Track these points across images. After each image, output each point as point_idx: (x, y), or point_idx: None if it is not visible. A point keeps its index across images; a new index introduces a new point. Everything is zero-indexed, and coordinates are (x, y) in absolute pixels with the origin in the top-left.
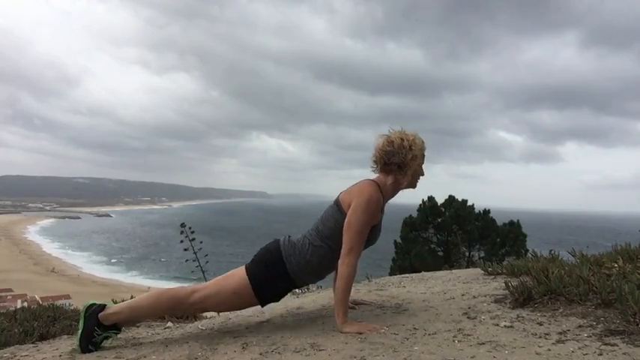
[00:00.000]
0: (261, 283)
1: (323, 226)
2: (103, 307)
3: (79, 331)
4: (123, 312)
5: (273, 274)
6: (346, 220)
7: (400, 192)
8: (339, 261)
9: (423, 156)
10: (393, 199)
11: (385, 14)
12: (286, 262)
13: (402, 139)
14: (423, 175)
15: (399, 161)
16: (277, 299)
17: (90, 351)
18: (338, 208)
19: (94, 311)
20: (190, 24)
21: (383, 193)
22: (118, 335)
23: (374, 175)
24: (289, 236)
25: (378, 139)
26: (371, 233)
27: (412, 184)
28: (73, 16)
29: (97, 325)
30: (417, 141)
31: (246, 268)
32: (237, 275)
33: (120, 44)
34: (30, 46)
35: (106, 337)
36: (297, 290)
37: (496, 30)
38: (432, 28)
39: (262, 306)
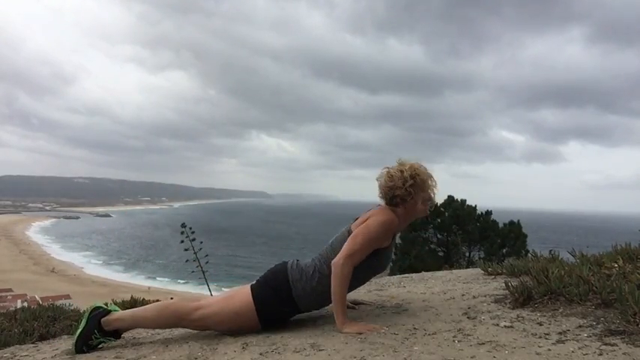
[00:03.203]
0: (265, 306)
1: (332, 253)
2: (107, 312)
3: (79, 330)
4: (125, 320)
5: (277, 297)
6: (357, 229)
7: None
8: (333, 261)
9: (428, 182)
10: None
11: (386, 8)
12: (292, 287)
13: (402, 172)
14: (430, 200)
15: (402, 194)
16: (279, 323)
17: (83, 352)
18: (344, 229)
19: (97, 314)
20: (185, 19)
21: (396, 223)
22: (116, 341)
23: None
24: (297, 260)
25: (379, 175)
26: (380, 258)
27: (422, 212)
28: (64, 12)
29: (97, 329)
30: (418, 170)
31: (252, 289)
32: (241, 295)
33: (113, 41)
34: (23, 43)
35: (103, 342)
36: None
37: (499, 25)
38: (433, 22)
39: (262, 328)
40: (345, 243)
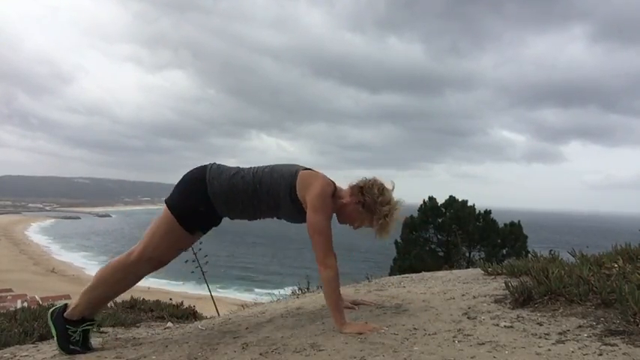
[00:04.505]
0: (182, 208)
1: (266, 175)
2: (64, 306)
3: (55, 337)
4: (81, 303)
5: (193, 196)
6: (308, 221)
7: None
8: (319, 267)
9: (381, 219)
10: None
11: (387, 6)
12: (208, 184)
13: (386, 201)
14: (358, 226)
15: (369, 200)
16: (203, 225)
17: (75, 351)
18: (290, 176)
19: (58, 313)
20: (182, 18)
21: (334, 197)
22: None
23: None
24: (219, 163)
25: (376, 179)
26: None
27: (352, 222)
28: (61, 11)
29: (67, 324)
30: (394, 211)
31: (166, 201)
32: (161, 215)
33: (110, 40)
34: (21, 42)
35: (85, 331)
36: (297, 290)
37: (500, 23)
38: (434, 20)
39: (191, 234)
40: (313, 246)
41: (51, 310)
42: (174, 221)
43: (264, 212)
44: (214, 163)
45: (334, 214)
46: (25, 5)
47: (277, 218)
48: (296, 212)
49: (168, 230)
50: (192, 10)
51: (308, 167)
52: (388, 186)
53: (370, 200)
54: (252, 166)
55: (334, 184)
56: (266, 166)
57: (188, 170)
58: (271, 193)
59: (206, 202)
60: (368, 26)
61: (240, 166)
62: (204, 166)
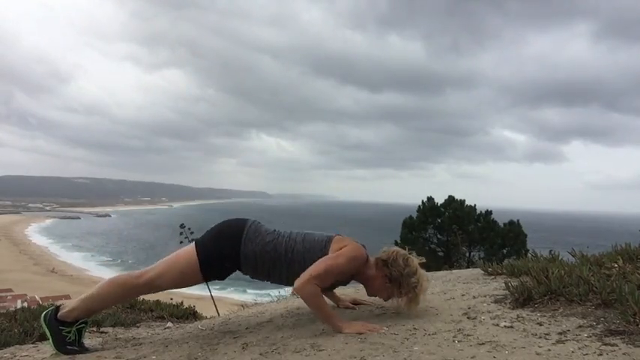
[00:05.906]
0: (209, 258)
1: (301, 245)
2: (57, 308)
3: (50, 341)
4: (78, 307)
5: (224, 251)
6: (331, 254)
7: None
8: (297, 282)
9: (410, 292)
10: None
11: (388, 3)
12: (243, 244)
13: (412, 272)
14: (388, 298)
15: (395, 274)
16: (221, 278)
17: (72, 351)
18: (326, 241)
19: (51, 316)
20: (179, 15)
21: (362, 267)
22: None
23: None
24: (259, 222)
25: (398, 250)
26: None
27: (381, 294)
28: (57, 10)
29: (60, 326)
30: (423, 282)
31: (196, 243)
32: (185, 253)
33: (107, 39)
34: (18, 41)
35: (80, 330)
36: None
37: (501, 20)
38: (435, 18)
39: (206, 282)
40: (314, 264)
41: (43, 313)
42: (196, 264)
43: (288, 279)
44: (255, 222)
45: (362, 286)
46: (21, 4)
47: None
48: None
49: (186, 268)
50: (189, 8)
51: (339, 234)
52: (411, 256)
53: (397, 273)
54: (284, 231)
55: (366, 251)
56: (298, 233)
57: (226, 219)
58: (306, 258)
59: (235, 259)
60: (368, 24)
61: (272, 230)
62: (244, 222)
